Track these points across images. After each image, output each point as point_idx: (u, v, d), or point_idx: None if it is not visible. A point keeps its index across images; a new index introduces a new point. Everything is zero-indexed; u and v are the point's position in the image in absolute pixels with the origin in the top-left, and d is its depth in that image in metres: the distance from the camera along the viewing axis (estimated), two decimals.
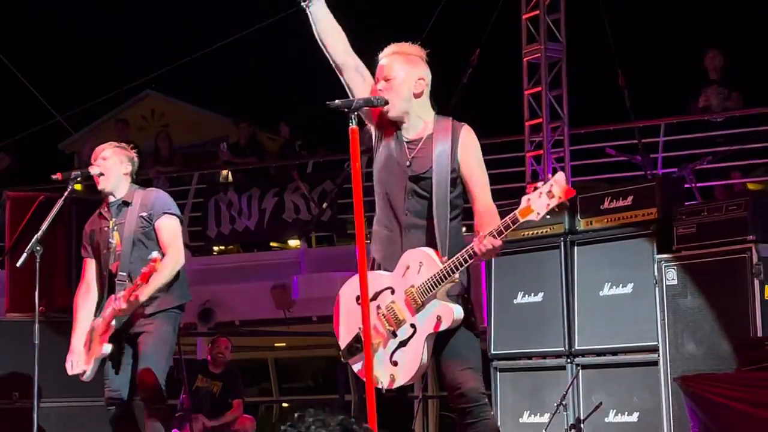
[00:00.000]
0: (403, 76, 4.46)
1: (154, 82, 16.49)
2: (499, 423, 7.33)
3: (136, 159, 6.04)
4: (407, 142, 4.50)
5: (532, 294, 7.39)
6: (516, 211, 4.09)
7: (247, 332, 13.18)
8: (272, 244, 13.73)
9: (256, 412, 15.55)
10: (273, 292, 12.13)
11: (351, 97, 4.41)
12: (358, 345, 4.44)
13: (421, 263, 4.33)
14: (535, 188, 4.05)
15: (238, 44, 13.87)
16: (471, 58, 10.93)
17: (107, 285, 5.85)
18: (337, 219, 12.14)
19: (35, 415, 5.86)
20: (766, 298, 6.29)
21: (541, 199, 3.99)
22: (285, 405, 17.22)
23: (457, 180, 4.44)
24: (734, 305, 6.34)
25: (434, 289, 4.29)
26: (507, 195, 10.05)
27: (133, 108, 20.62)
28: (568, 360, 7.10)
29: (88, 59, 17.74)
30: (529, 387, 7.34)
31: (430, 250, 4.35)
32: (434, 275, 4.28)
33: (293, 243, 13.48)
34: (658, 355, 6.62)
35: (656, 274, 6.68)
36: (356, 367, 4.49)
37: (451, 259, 4.27)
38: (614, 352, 6.95)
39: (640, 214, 6.91)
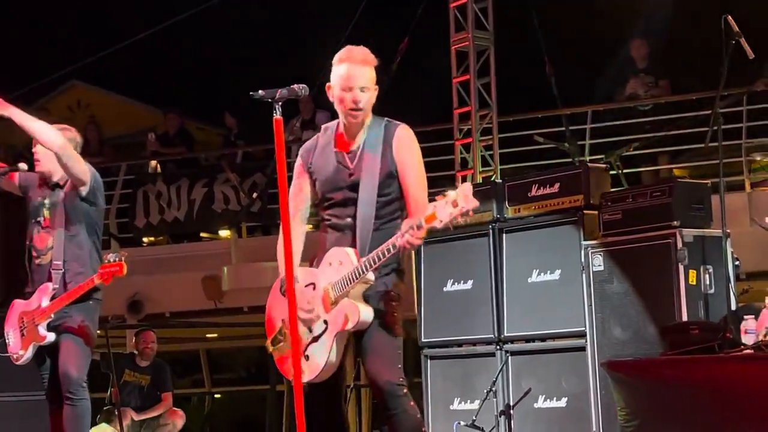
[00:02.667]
0: (374, 91, 4.56)
1: (79, 72, 16.27)
2: (429, 410, 7.41)
3: (79, 139, 6.03)
4: (347, 153, 4.57)
5: (462, 282, 7.42)
6: (422, 217, 4.12)
7: (177, 324, 13.09)
8: (202, 234, 13.64)
9: (188, 404, 15.46)
10: (203, 282, 12.06)
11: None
12: (280, 337, 4.55)
13: (341, 262, 4.40)
14: (444, 196, 4.07)
15: (165, 33, 13.74)
16: (399, 46, 10.94)
17: (30, 259, 5.91)
18: (267, 209, 12.09)
19: None
20: (690, 282, 6.39)
21: (446, 209, 4.03)
22: (217, 396, 17.15)
23: (393, 182, 4.50)
24: (659, 290, 6.43)
25: (346, 287, 4.35)
26: (436, 183, 10.08)
27: (59, 98, 20.29)
28: (498, 347, 7.15)
29: (9, 48, 17.42)
30: (460, 374, 7.38)
31: (350, 250, 4.41)
32: (347, 274, 4.35)
33: (223, 233, 13.40)
34: (586, 341, 6.69)
35: (583, 260, 6.75)
36: (276, 356, 4.59)
37: (363, 259, 4.33)
38: (543, 339, 7.01)
39: (566, 201, 6.99)
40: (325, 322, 4.41)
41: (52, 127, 5.81)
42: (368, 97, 4.53)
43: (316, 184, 4.64)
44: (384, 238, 4.31)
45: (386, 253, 4.26)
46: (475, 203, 4.01)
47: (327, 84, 4.57)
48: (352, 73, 4.51)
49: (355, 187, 4.51)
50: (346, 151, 4.57)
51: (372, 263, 4.30)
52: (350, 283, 4.35)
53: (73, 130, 6.04)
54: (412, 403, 4.42)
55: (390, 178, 4.50)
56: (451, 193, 4.03)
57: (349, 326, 4.36)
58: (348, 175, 4.54)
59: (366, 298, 4.42)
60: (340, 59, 4.55)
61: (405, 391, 4.40)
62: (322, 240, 4.59)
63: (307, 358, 4.42)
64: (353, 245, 4.45)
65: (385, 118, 4.63)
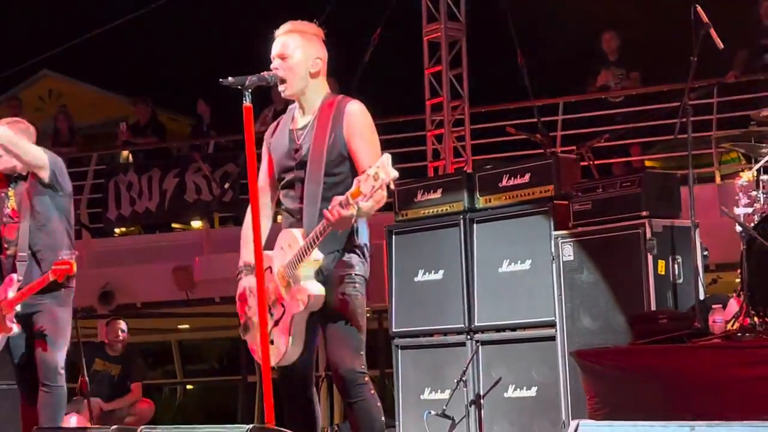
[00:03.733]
0: (300, 55, 4.45)
1: (50, 62, 16.17)
2: (400, 400, 7.43)
3: (32, 130, 6.05)
4: (298, 129, 4.51)
5: (433, 272, 7.43)
6: (348, 192, 4.09)
7: (148, 314, 13.06)
8: (174, 225, 13.60)
9: (159, 395, 15.44)
10: (175, 273, 12.03)
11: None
12: (249, 323, 4.53)
13: (290, 244, 4.38)
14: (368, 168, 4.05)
15: (137, 22, 13.67)
16: (372, 36, 10.93)
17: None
18: (239, 199, 12.07)
19: None
20: (659, 272, 6.43)
21: (368, 182, 4.00)
22: (189, 387, 17.14)
23: (344, 162, 4.43)
24: (628, 280, 6.47)
25: (295, 267, 4.32)
26: (409, 174, 10.11)
27: (30, 88, 20.17)
28: (468, 336, 7.17)
29: None
30: (430, 364, 7.40)
31: (298, 231, 4.38)
32: (295, 255, 4.33)
33: (195, 224, 13.37)
34: (556, 330, 6.72)
35: (553, 250, 6.78)
36: (249, 343, 4.57)
37: (307, 237, 4.30)
38: (513, 328, 7.04)
39: (537, 191, 7.01)
40: (283, 305, 4.40)
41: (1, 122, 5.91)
42: (289, 64, 4.43)
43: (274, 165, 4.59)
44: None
45: (322, 231, 4.22)
46: (394, 174, 3.97)
47: None
48: (272, 47, 4.47)
49: (303, 165, 4.45)
50: (297, 128, 4.51)
51: (313, 242, 4.26)
52: (298, 264, 4.31)
53: (24, 122, 6.08)
54: (372, 391, 4.41)
55: (340, 157, 4.41)
56: (372, 167, 4.01)
57: (301, 308, 4.34)
58: (295, 151, 4.47)
59: (323, 282, 4.38)
60: None
61: (366, 379, 4.39)
62: (282, 226, 4.57)
63: (272, 342, 4.39)
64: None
65: (341, 95, 4.56)
